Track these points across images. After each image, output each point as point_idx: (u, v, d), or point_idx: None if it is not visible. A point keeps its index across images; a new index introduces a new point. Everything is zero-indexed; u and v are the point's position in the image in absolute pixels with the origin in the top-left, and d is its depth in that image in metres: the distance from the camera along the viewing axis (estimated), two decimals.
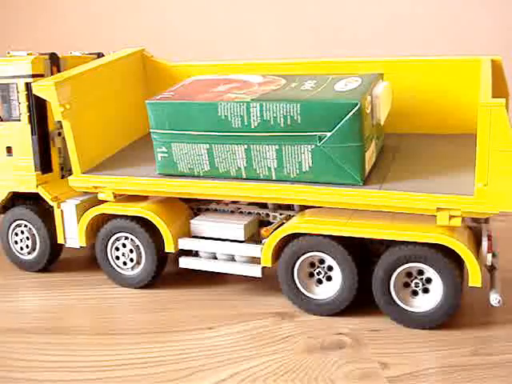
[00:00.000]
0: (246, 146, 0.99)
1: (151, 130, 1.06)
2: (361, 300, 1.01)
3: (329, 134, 0.94)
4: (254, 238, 1.10)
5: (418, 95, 1.14)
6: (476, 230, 1.02)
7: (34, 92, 1.15)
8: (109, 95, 1.24)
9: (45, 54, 1.23)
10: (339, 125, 0.93)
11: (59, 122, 1.16)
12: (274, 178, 1.01)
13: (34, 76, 1.18)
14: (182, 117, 1.02)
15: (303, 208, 1.06)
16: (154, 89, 1.32)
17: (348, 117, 0.92)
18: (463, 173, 0.96)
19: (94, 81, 1.21)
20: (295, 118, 0.95)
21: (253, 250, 1.06)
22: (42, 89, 1.13)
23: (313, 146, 0.95)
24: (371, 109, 0.98)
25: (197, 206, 1.18)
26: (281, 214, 1.10)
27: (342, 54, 1.27)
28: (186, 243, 1.11)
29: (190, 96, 1.04)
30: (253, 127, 0.97)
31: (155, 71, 1.35)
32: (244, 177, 1.02)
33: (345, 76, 1.04)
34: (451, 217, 0.91)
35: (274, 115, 0.96)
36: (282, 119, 0.96)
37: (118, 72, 1.28)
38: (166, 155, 1.05)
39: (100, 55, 1.35)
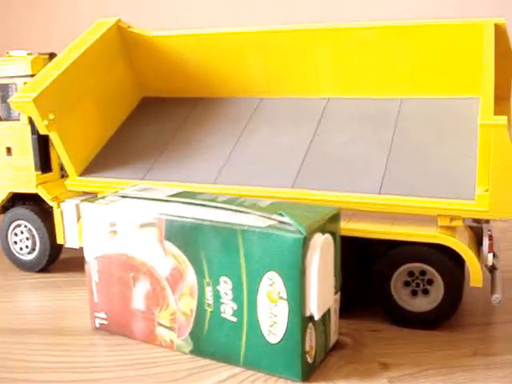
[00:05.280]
0: None
1: None
2: (361, 300, 1.01)
3: None
4: None
5: (418, 60, 1.10)
6: (477, 229, 1.02)
7: (14, 108, 1.10)
8: (91, 84, 1.20)
9: (44, 54, 1.23)
10: None
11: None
12: None
13: (33, 76, 1.18)
14: None
15: None
16: (137, 61, 1.28)
17: None
18: (463, 164, 0.96)
19: (73, 77, 1.16)
20: None
21: None
22: (21, 105, 1.07)
23: None
24: None
25: None
26: None
27: (341, 19, 1.21)
28: None
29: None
30: None
31: (135, 43, 1.27)
32: None
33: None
34: (452, 219, 0.91)
35: None
36: None
37: (95, 56, 1.21)
38: None
39: None
